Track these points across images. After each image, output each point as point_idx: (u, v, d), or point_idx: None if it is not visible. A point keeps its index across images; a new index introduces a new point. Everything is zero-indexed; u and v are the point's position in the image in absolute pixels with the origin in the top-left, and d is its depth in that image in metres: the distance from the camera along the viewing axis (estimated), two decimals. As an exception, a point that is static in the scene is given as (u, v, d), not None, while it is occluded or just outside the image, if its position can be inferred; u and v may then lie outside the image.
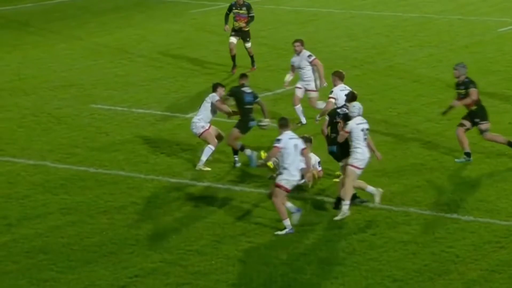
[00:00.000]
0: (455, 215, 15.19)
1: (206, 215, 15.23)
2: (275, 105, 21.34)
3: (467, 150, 17.48)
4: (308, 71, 19.47)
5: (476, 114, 17.59)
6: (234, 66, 24.11)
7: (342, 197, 14.93)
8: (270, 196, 14.69)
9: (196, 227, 14.82)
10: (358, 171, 15.07)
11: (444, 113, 18.00)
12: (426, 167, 17.42)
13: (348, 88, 17.26)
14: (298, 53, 19.48)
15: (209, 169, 17.01)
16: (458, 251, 13.88)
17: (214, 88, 17.56)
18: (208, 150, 17.10)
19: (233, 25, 24.15)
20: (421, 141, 18.88)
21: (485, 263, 13.50)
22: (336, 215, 14.91)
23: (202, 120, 17.27)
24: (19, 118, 20.75)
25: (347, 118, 15.32)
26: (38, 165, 17.70)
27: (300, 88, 19.58)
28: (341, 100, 16.94)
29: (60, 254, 13.91)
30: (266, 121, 16.93)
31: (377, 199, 15.24)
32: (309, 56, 19.48)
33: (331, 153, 15.73)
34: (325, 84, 19.54)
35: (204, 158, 17.06)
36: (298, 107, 19.65)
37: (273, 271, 13.34)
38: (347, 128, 15.10)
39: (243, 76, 17.67)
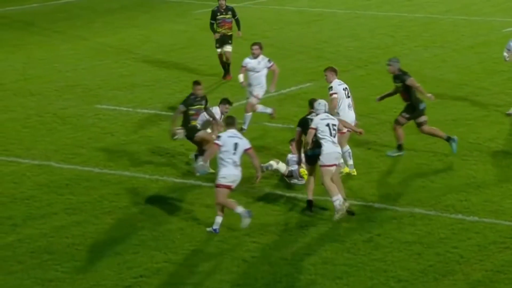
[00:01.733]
0: (460, 216, 15.18)
1: (211, 215, 15.23)
2: (280, 105, 21.34)
3: (400, 142, 17.71)
4: (261, 76, 19.15)
5: (411, 109, 17.61)
6: (227, 71, 23.43)
7: (329, 194, 14.84)
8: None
9: (201, 227, 14.83)
10: (331, 168, 14.95)
11: (380, 99, 18.12)
12: (431, 168, 17.41)
13: (343, 83, 17.18)
14: (255, 56, 19.21)
15: (213, 171, 17.02)
16: (463, 251, 13.87)
17: (221, 102, 17.53)
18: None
19: (216, 30, 23.24)
20: (426, 141, 18.86)
21: (490, 263, 13.49)
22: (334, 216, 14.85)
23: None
24: (24, 118, 20.78)
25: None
26: (43, 165, 17.72)
27: (255, 96, 19.10)
28: (341, 94, 16.94)
29: (65, 254, 13.92)
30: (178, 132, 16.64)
31: (337, 215, 14.80)
32: (269, 60, 19.20)
33: (312, 156, 15.35)
34: (272, 90, 19.48)
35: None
36: (250, 115, 19.15)
37: (277, 271, 13.35)
38: (313, 125, 15.04)
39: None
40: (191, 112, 16.75)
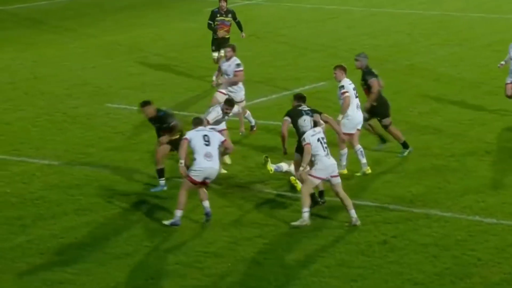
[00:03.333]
0: (477, 217, 15.13)
1: (223, 216, 15.24)
2: (293, 104, 21.31)
3: (401, 141, 17.66)
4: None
5: (377, 110, 17.57)
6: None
7: (301, 203, 14.73)
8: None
9: (212, 229, 14.84)
10: (316, 181, 14.90)
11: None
12: (447, 168, 17.37)
13: (351, 82, 17.10)
14: (227, 58, 19.03)
15: (225, 171, 17.03)
16: (480, 254, 13.82)
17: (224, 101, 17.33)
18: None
19: (213, 35, 22.93)
20: (443, 141, 18.82)
21: (508, 266, 13.44)
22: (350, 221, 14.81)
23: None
24: (34, 118, 20.84)
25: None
26: (53, 165, 17.77)
27: (223, 93, 18.77)
28: (351, 94, 16.90)
29: (74, 255, 13.96)
30: None
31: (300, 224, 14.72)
32: (238, 65, 18.92)
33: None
34: (218, 85, 19.25)
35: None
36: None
37: (290, 274, 13.34)
38: (307, 141, 14.88)
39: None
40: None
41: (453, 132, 19.45)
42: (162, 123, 16.01)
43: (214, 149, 14.83)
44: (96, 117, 20.81)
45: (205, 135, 14.87)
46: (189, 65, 25.42)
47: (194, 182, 14.81)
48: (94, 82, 23.81)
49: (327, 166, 14.84)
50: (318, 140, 14.93)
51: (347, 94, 16.86)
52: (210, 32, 23.36)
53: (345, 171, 16.99)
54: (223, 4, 23.08)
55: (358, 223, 14.74)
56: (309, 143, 14.86)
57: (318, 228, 14.78)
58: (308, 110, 15.64)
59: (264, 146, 18.32)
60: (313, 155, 14.86)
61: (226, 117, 16.86)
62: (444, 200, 15.85)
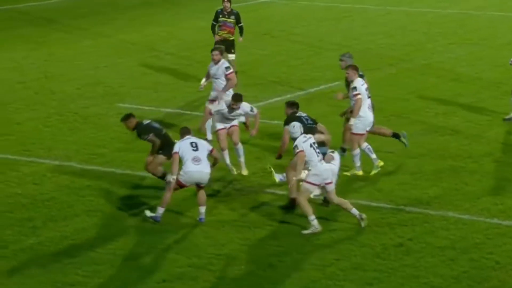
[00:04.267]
0: (495, 220, 15.07)
1: (236, 218, 15.24)
2: (308, 104, 21.28)
3: (390, 134, 17.41)
4: (222, 83, 18.62)
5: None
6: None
7: (304, 213, 14.64)
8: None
9: (225, 231, 14.84)
10: (313, 187, 14.81)
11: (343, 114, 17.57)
12: (465, 170, 17.31)
13: (365, 82, 17.03)
14: (216, 62, 18.75)
15: (236, 172, 17.02)
16: (498, 257, 13.76)
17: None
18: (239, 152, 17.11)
19: (218, 35, 22.64)
20: (460, 142, 18.76)
21: (527, 270, 13.39)
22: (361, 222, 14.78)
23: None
24: (45, 117, 20.90)
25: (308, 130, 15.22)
26: (64, 165, 17.81)
27: (214, 101, 18.52)
28: (364, 95, 16.85)
29: (85, 257, 13.98)
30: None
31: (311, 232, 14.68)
32: (227, 68, 18.70)
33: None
34: (219, 97, 18.54)
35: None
36: (209, 122, 18.31)
37: (304, 277, 13.32)
38: (300, 148, 14.66)
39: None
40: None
41: (470, 133, 19.38)
42: (139, 136, 16.05)
43: (202, 154, 14.97)
44: (107, 117, 20.85)
45: (193, 142, 15.06)
46: (202, 65, 25.39)
47: (181, 186, 14.97)
48: (105, 81, 23.85)
49: (321, 171, 14.74)
50: (311, 146, 14.80)
51: (359, 96, 16.81)
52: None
53: (360, 173, 16.95)
54: (227, 4, 22.82)
55: (364, 216, 14.70)
56: (302, 150, 14.67)
57: (332, 230, 14.75)
58: (307, 116, 15.65)
59: (277, 147, 18.28)
60: (306, 162, 14.73)
61: (234, 114, 16.77)
62: (462, 202, 15.79)
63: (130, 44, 27.90)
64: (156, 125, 16.19)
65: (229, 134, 17.12)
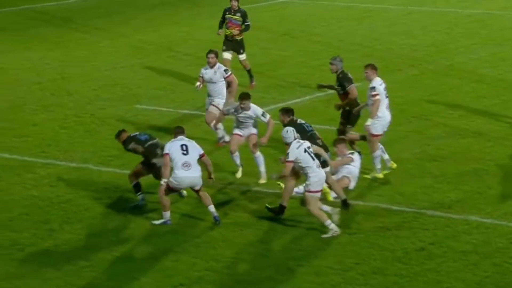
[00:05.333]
0: (519, 224, 15.01)
1: (255, 221, 15.23)
2: (328, 106, 21.26)
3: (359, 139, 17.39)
4: (219, 86, 18.56)
5: (347, 115, 17.38)
6: (250, 78, 22.55)
7: (319, 221, 14.60)
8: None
9: (244, 234, 14.83)
10: (317, 194, 14.70)
11: (320, 87, 17.85)
12: (488, 173, 17.22)
13: (383, 81, 16.96)
14: (211, 65, 18.56)
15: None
16: (522, 262, 13.71)
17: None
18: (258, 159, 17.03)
19: (225, 32, 22.74)
20: (483, 145, 18.67)
21: (551, 275, 13.31)
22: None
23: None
24: (62, 119, 20.97)
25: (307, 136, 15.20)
26: (81, 168, 17.86)
27: (216, 106, 18.43)
28: (382, 95, 16.80)
29: (102, 260, 14.02)
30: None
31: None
32: (226, 70, 18.60)
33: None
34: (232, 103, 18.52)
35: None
36: (219, 126, 18.31)
37: (324, 281, 13.30)
38: (291, 157, 14.50)
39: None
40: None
41: (493, 135, 19.28)
42: (124, 148, 16.16)
43: (192, 158, 14.95)
44: (125, 119, 20.88)
45: (183, 145, 15.02)
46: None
47: (173, 190, 15.03)
48: (123, 82, 23.90)
49: (321, 177, 14.66)
50: (305, 151, 14.66)
51: (377, 97, 16.77)
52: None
53: (380, 175, 16.89)
54: (234, 3, 22.88)
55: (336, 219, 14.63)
56: (292, 161, 14.47)
57: (352, 234, 14.71)
58: (307, 124, 15.63)
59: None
60: (304, 168, 14.57)
61: (244, 116, 16.61)
62: (484, 205, 15.72)
63: (148, 45, 27.95)
64: (143, 136, 16.02)
65: (248, 142, 17.00)
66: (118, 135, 16.31)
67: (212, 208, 15.09)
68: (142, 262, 13.96)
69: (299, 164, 14.63)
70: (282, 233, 14.77)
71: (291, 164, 14.57)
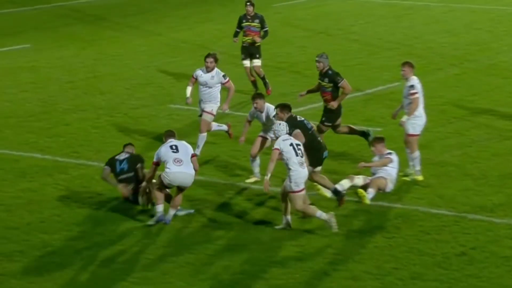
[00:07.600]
0: None
1: (294, 224, 15.21)
2: (365, 106, 21.26)
3: (358, 132, 17.62)
4: (215, 92, 18.50)
5: (328, 113, 17.36)
6: (265, 85, 22.39)
7: (316, 217, 14.78)
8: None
9: (279, 237, 14.84)
10: (301, 193, 14.74)
11: (301, 96, 17.85)
12: (531, 175, 17.10)
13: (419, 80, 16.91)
14: (209, 70, 18.46)
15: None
16: None
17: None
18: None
19: (242, 41, 22.41)
20: (527, 146, 18.54)
21: None
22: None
23: None
24: (94, 119, 21.11)
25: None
26: (113, 168, 17.94)
27: (208, 112, 18.42)
28: (421, 94, 16.73)
29: (135, 263, 14.09)
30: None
31: (333, 226, 14.75)
32: (224, 76, 18.51)
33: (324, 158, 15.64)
34: (225, 110, 18.63)
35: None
36: (206, 134, 18.37)
37: (361, 286, 13.28)
38: (276, 145, 14.74)
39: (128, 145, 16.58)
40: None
41: (538, 136, 19.14)
42: None
43: (183, 156, 15.20)
44: (158, 119, 20.99)
45: (173, 145, 15.35)
46: (256, 64, 25.44)
47: (164, 186, 15.22)
48: (156, 81, 24.01)
49: (302, 176, 14.73)
50: (291, 144, 14.78)
51: (416, 95, 16.72)
52: (275, 30, 23.19)
53: (420, 177, 16.83)
54: (250, 8, 22.57)
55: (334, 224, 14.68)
56: (277, 149, 14.73)
57: (391, 238, 14.68)
58: (306, 120, 15.60)
59: (331, 151, 18.23)
60: (287, 163, 14.70)
61: (255, 110, 16.70)
62: (528, 210, 15.61)
63: (181, 43, 28.06)
64: (119, 167, 16.06)
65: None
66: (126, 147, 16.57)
67: (172, 211, 15.24)
68: (175, 265, 13.98)
69: (283, 156, 14.77)
70: (318, 236, 14.76)
71: (277, 152, 14.76)
